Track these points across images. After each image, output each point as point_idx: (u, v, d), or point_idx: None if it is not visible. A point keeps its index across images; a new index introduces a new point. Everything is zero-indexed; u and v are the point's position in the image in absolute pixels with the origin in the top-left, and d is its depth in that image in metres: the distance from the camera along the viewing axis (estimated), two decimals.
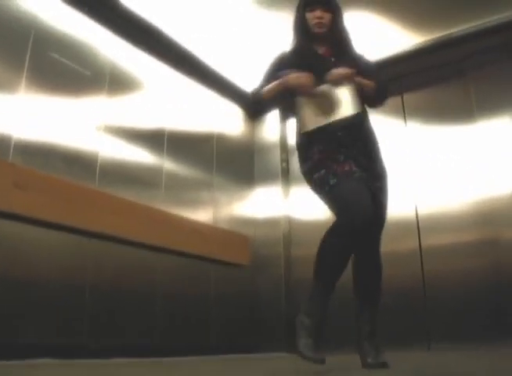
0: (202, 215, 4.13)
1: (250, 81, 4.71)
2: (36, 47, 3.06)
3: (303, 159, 2.27)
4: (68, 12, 3.35)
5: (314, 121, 2.21)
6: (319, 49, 2.43)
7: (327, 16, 2.37)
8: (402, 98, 4.34)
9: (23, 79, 2.94)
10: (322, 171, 2.14)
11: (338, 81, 2.21)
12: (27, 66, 2.98)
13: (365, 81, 2.30)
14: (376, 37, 4.01)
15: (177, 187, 3.94)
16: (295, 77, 2.22)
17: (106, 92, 3.48)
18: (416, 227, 3.99)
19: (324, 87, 2.22)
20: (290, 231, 4.62)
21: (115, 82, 3.57)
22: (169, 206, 3.76)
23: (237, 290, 4.28)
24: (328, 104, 2.20)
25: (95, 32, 3.51)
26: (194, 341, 3.78)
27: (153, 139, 3.81)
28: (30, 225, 2.74)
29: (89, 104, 3.35)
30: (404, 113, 4.30)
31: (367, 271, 2.24)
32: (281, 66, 2.37)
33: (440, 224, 3.89)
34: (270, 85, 2.30)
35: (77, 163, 3.17)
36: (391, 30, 3.96)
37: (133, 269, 3.38)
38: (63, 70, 3.21)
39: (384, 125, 4.32)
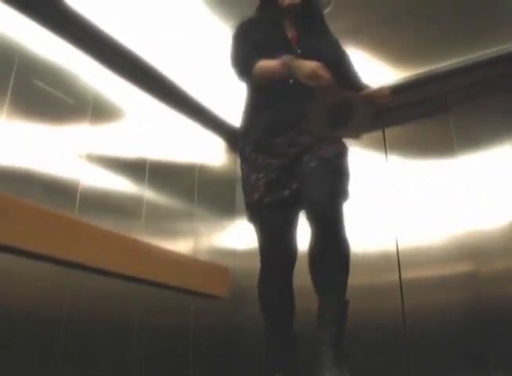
0: (182, 246, 4.09)
1: (233, 113, 4.76)
2: (20, 74, 3.05)
3: None
4: (54, 40, 3.36)
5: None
6: (287, 31, 2.04)
7: None
8: (384, 132, 4.39)
9: (6, 106, 2.93)
10: None
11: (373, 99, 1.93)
12: (10, 93, 2.97)
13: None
14: (359, 71, 4.07)
15: (157, 217, 3.91)
16: (308, 66, 1.77)
17: (88, 120, 3.47)
18: (397, 260, 3.99)
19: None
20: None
21: (98, 111, 3.57)
22: (149, 236, 3.72)
23: (217, 322, 4.22)
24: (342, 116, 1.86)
25: (80, 61, 3.52)
26: (173, 374, 3.70)
27: (134, 169, 3.79)
28: (6, 254, 2.69)
29: (71, 132, 3.34)
30: (385, 147, 4.35)
31: (327, 259, 1.84)
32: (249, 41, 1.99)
33: (421, 257, 3.89)
34: (263, 65, 1.88)
35: (57, 191, 3.14)
36: (374, 65, 4.02)
37: (111, 300, 3.32)
38: (46, 97, 3.20)
39: (365, 159, 4.39)
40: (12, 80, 2.99)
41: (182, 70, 4.07)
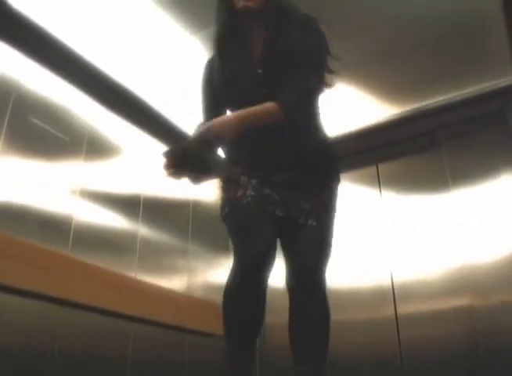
0: (177, 283, 4.05)
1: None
2: (16, 111, 3.07)
3: None
4: (50, 78, 3.39)
5: None
6: (252, 45, 1.86)
7: None
8: (377, 168, 4.43)
9: (0, 143, 2.93)
10: None
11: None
12: (5, 130, 2.97)
13: None
14: (352, 109, 4.13)
15: (152, 254, 3.88)
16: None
17: (83, 157, 3.48)
18: (392, 295, 3.98)
19: None
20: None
21: (93, 148, 3.57)
22: (143, 273, 3.69)
23: (212, 360, 4.15)
24: None
25: (75, 98, 3.54)
26: None
27: (128, 205, 3.78)
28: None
29: (66, 169, 3.33)
30: (379, 182, 4.37)
31: (307, 319, 1.76)
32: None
33: (416, 292, 3.88)
34: (227, 120, 1.78)
35: (51, 227, 3.12)
36: (365, 102, 4.07)
37: (105, 339, 3.27)
38: (41, 134, 3.21)
39: (359, 195, 4.42)
40: (7, 116, 3.01)
41: (177, 108, 4.11)
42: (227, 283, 1.76)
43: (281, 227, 1.78)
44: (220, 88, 1.90)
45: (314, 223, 1.79)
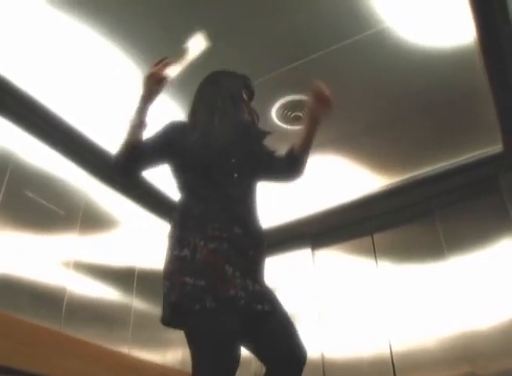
0: (171, 357, 3.96)
1: None
2: (11, 185, 3.09)
3: None
4: (46, 151, 3.44)
5: None
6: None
7: None
8: (372, 238, 4.43)
9: None
10: None
11: None
12: (0, 204, 2.98)
13: None
14: (346, 180, 4.18)
15: (146, 327, 3.80)
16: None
17: (77, 230, 3.47)
18: (391, 365, 3.88)
19: None
20: (261, 371, 4.41)
21: (87, 221, 3.58)
22: (137, 347, 3.61)
23: None
24: None
25: (70, 171, 3.58)
26: None
27: (122, 278, 3.75)
28: None
29: (60, 242, 3.33)
30: (375, 252, 4.36)
31: None
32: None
33: (415, 362, 3.79)
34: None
35: (44, 301, 3.07)
36: (359, 173, 4.12)
37: None
38: (36, 207, 3.22)
39: (355, 265, 4.40)
40: (3, 189, 3.02)
41: (169, 180, 4.14)
42: None
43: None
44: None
45: (271, 307, 1.68)
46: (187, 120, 2.08)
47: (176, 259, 1.70)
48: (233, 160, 1.88)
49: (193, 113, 2.06)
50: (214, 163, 1.85)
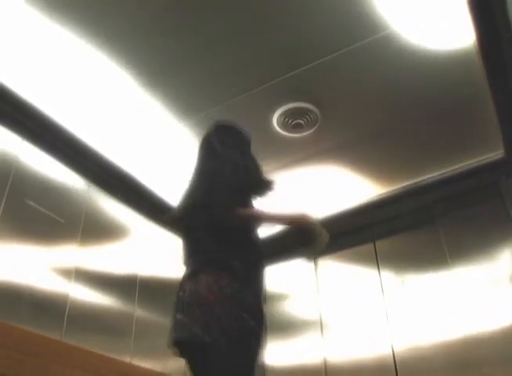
0: (173, 365, 3.93)
1: None
2: (12, 193, 3.08)
3: None
4: (47, 161, 3.44)
5: None
6: None
7: None
8: (375, 245, 4.42)
9: None
10: None
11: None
12: (1, 213, 2.98)
13: None
14: (347, 187, 4.18)
15: (148, 336, 3.79)
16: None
17: (79, 239, 3.46)
18: (394, 372, 3.86)
19: None
20: None
21: (89, 230, 3.57)
22: (138, 356, 3.59)
23: None
24: None
25: (72, 180, 3.58)
26: None
27: (124, 287, 3.73)
28: None
29: (61, 251, 3.32)
30: (377, 260, 4.35)
31: None
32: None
33: (418, 369, 3.77)
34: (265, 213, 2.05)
35: (45, 309, 3.06)
36: (360, 180, 4.12)
37: None
38: (38, 217, 3.21)
39: (357, 273, 4.39)
40: (4, 198, 3.02)
41: (172, 189, 4.14)
42: None
43: None
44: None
45: None
46: None
47: None
48: None
49: None
50: None
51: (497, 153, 3.82)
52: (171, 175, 3.95)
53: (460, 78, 3.19)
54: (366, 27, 2.85)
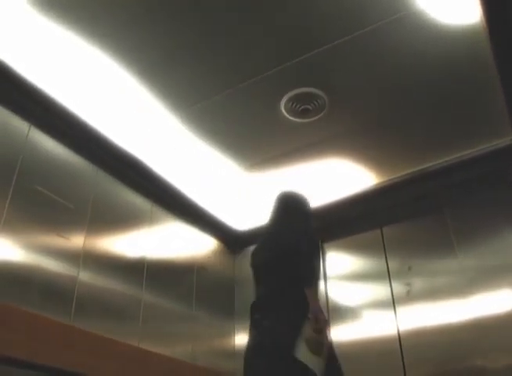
0: (181, 350, 3.97)
1: (230, 215, 4.79)
2: (21, 179, 3.10)
3: None
4: (55, 146, 3.45)
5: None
6: None
7: None
8: (382, 231, 4.41)
9: (5, 212, 2.94)
10: None
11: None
12: (10, 198, 2.99)
13: None
14: (355, 172, 4.18)
15: (155, 320, 3.82)
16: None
17: (87, 223, 3.48)
18: (401, 358, 3.87)
19: None
20: None
21: (97, 214, 3.59)
22: (146, 340, 3.62)
23: None
24: None
25: (80, 165, 3.60)
26: None
27: (132, 271, 3.76)
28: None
29: (70, 235, 3.34)
30: (384, 246, 4.35)
31: None
32: None
33: (425, 355, 3.78)
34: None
35: (53, 294, 3.08)
36: (368, 166, 4.13)
37: None
38: (46, 202, 3.23)
39: (364, 259, 4.40)
40: (13, 183, 3.04)
41: (180, 174, 4.16)
42: None
43: None
44: None
45: None
46: None
47: None
48: None
49: None
50: None
51: (505, 140, 3.81)
52: (179, 159, 3.97)
53: (469, 64, 3.16)
54: (375, 12, 2.83)
